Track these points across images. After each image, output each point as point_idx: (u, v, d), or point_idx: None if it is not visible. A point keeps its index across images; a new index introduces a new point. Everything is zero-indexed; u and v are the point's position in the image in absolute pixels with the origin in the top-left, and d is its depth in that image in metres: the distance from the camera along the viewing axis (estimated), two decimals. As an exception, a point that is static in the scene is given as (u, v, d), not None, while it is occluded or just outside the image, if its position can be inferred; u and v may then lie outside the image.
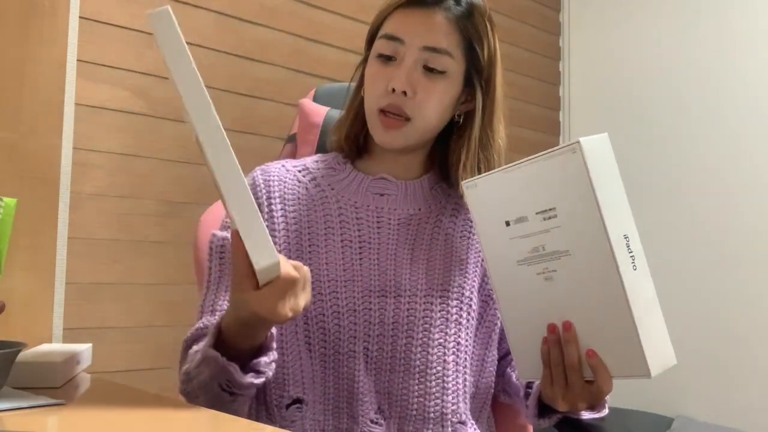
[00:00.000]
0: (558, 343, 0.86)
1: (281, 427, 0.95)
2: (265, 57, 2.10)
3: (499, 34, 1.04)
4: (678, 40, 2.86)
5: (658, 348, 0.81)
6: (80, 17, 1.65)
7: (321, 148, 1.23)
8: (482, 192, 0.90)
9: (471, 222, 1.06)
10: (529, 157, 0.84)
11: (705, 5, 2.81)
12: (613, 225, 0.78)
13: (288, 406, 0.97)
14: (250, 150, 2.05)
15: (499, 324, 1.05)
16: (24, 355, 0.96)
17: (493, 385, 1.07)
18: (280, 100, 2.12)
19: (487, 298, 1.05)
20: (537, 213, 0.83)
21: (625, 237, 0.79)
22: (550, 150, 0.82)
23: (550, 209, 0.82)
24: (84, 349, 1.09)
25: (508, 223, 0.87)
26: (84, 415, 0.80)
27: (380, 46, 0.99)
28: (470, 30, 0.99)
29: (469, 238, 1.05)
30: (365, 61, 1.04)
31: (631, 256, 0.79)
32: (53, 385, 0.91)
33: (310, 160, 1.09)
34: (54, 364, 0.92)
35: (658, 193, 2.84)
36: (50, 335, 1.41)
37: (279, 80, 2.13)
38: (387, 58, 0.99)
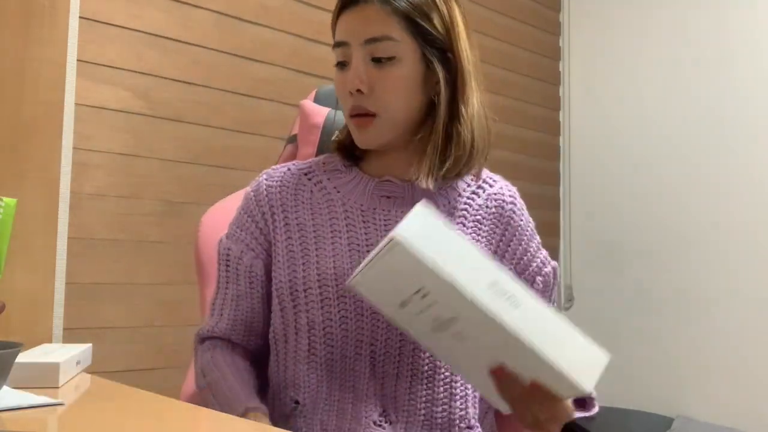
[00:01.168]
0: (502, 381, 0.85)
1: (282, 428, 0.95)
2: (265, 57, 2.10)
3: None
4: (678, 40, 2.86)
5: (582, 361, 0.80)
6: (80, 17, 1.65)
7: (322, 149, 1.23)
8: (368, 285, 0.85)
9: (480, 224, 1.05)
10: (369, 257, 0.82)
11: (705, 5, 2.81)
12: (472, 283, 0.77)
13: (289, 409, 0.97)
14: (250, 150, 2.05)
15: None
16: (24, 355, 0.96)
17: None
18: (281, 100, 2.12)
19: None
20: (414, 294, 0.81)
21: (493, 284, 0.78)
22: (376, 250, 0.80)
23: (420, 289, 0.80)
24: (84, 349, 1.09)
25: (403, 304, 0.84)
26: (84, 415, 0.80)
27: (336, 55, 1.02)
28: (407, 9, 0.97)
29: (477, 240, 1.04)
30: None
31: (508, 298, 0.78)
32: (53, 385, 0.91)
33: (317, 162, 1.09)
34: (54, 364, 0.92)
35: (658, 191, 2.84)
36: (50, 335, 1.41)
37: (279, 80, 2.13)
38: (342, 65, 1.00)
